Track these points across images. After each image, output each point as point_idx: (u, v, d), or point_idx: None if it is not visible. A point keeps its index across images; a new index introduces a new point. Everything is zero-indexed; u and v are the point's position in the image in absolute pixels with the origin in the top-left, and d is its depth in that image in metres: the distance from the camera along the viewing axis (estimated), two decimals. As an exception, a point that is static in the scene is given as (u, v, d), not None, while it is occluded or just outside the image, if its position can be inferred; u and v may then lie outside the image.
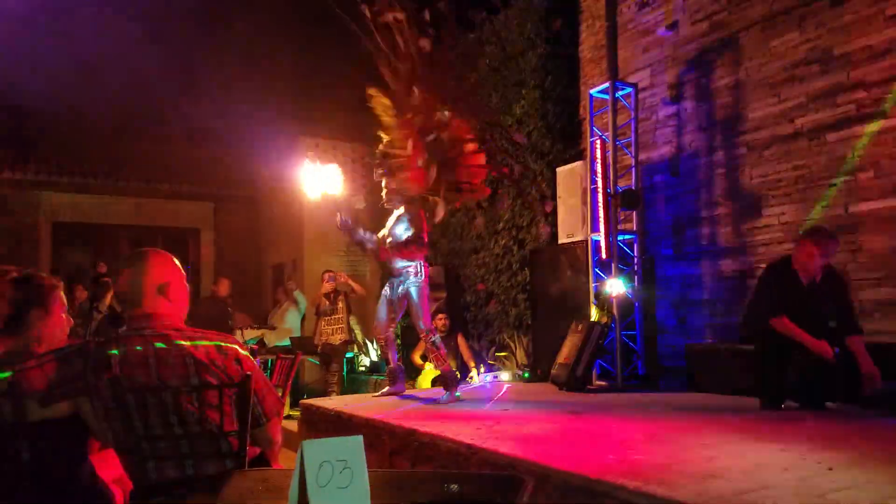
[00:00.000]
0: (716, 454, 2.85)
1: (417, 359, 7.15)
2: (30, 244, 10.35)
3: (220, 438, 1.74)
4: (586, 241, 5.98)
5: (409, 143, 4.56)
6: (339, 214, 4.73)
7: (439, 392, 4.85)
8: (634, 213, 5.92)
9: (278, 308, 9.29)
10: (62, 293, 1.99)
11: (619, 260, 5.75)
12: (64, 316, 1.99)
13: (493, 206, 7.37)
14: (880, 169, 4.42)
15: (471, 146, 4.82)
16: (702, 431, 3.46)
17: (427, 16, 4.67)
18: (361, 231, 4.85)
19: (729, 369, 4.91)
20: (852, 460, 2.69)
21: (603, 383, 5.61)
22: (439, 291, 7.65)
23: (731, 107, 5.37)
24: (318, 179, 4.71)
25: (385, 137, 4.75)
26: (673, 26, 5.84)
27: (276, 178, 10.35)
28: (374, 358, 8.77)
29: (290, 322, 8.97)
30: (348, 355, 8.74)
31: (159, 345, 1.73)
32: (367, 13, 4.51)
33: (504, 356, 6.95)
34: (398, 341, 5.57)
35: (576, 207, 6.25)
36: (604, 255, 5.76)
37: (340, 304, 7.70)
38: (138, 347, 1.71)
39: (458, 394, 4.75)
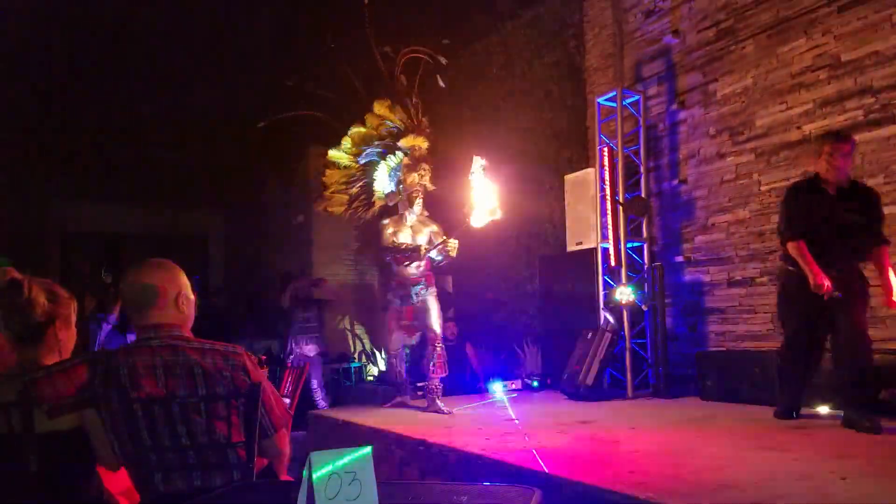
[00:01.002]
0: (727, 464, 2.82)
1: None
2: (38, 253, 10.41)
3: (228, 449, 1.74)
4: (595, 248, 5.96)
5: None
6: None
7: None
8: (643, 220, 5.91)
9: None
10: (75, 305, 2.01)
11: (629, 267, 5.74)
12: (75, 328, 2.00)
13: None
14: (890, 174, 4.39)
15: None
16: (713, 441, 3.42)
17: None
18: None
19: (740, 378, 4.88)
20: (865, 470, 2.66)
21: (613, 392, 5.57)
22: (448, 300, 7.63)
23: (739, 114, 5.35)
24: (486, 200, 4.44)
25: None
26: (679, 34, 5.84)
27: (286, 186, 10.42)
28: (383, 367, 8.75)
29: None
30: (354, 365, 8.73)
31: (167, 355, 1.73)
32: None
33: (513, 364, 6.92)
34: (406, 350, 5.54)
35: (584, 215, 6.24)
36: (613, 263, 5.75)
37: (315, 312, 7.42)
38: (146, 358, 1.71)
39: (441, 405, 4.76)
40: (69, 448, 1.71)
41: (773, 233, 5.07)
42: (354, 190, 5.16)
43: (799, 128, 4.92)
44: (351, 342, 9.32)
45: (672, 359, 5.59)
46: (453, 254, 4.81)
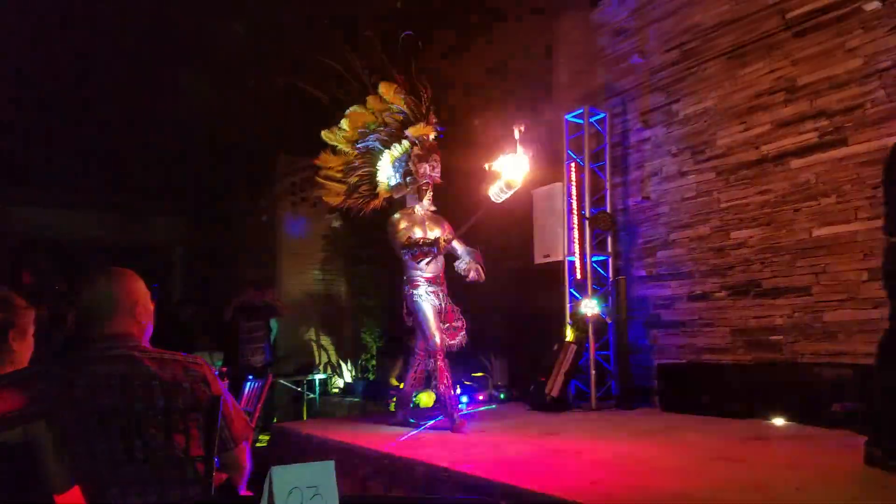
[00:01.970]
0: (687, 475, 2.87)
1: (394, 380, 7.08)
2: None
3: (186, 464, 1.70)
4: (562, 261, 6.04)
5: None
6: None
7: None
8: (608, 234, 6.01)
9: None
10: (34, 315, 1.96)
11: (594, 280, 5.83)
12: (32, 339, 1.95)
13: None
14: (842, 194, 4.55)
15: None
16: (674, 452, 3.48)
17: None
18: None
19: (700, 390, 4.98)
20: (818, 480, 2.73)
21: (578, 403, 5.63)
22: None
23: (701, 133, 5.49)
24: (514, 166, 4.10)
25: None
26: (645, 55, 5.98)
27: (252, 193, 10.29)
28: (349, 379, 8.67)
29: (261, 343, 8.85)
30: (320, 376, 8.63)
31: (124, 366, 1.69)
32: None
33: (480, 376, 6.93)
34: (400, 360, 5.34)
35: (552, 228, 6.31)
36: (579, 276, 5.84)
37: (261, 322, 7.11)
38: (102, 368, 1.67)
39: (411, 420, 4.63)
40: (18, 462, 1.65)
41: (731, 248, 5.22)
42: (353, 179, 4.72)
43: (757, 148, 5.07)
44: (316, 353, 9.22)
45: (635, 371, 5.68)
46: (481, 276, 4.53)
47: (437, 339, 4.39)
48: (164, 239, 11.84)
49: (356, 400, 7.89)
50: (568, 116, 6.18)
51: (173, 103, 7.93)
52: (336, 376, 8.83)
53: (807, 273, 4.69)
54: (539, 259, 6.49)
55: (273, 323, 8.15)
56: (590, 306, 5.64)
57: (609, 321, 5.81)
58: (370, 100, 4.58)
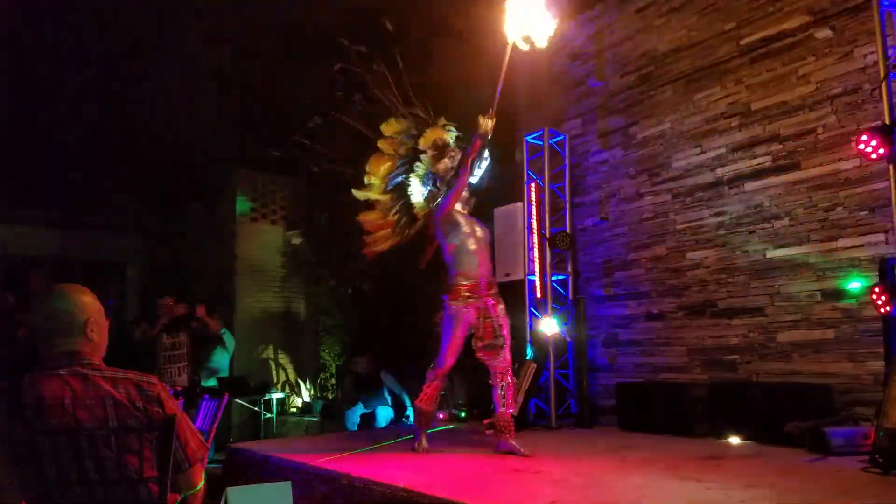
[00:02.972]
0: (644, 493, 2.90)
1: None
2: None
3: (139, 485, 1.65)
4: (523, 280, 6.09)
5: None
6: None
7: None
8: (568, 254, 6.09)
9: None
10: None
11: (554, 300, 5.89)
12: None
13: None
14: (794, 217, 4.71)
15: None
16: (631, 470, 3.51)
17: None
18: None
19: (657, 408, 5.06)
20: (773, 498, 2.79)
21: (538, 422, 5.64)
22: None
23: (657, 156, 5.63)
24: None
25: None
26: (603, 78, 6.13)
27: (210, 210, 10.10)
28: (307, 398, 8.52)
29: (216, 362, 8.61)
30: (278, 395, 8.45)
31: (77, 385, 1.64)
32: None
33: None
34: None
35: (512, 247, 6.36)
36: (539, 295, 5.91)
37: (183, 338, 6.56)
38: (54, 387, 1.61)
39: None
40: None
41: (687, 269, 5.34)
42: (393, 217, 4.73)
43: (712, 171, 5.22)
44: (274, 372, 9.04)
45: (593, 389, 5.73)
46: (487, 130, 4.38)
47: (446, 363, 4.37)
48: (119, 256, 11.50)
49: (314, 419, 7.74)
50: (528, 138, 6.28)
51: (131, 117, 7.77)
52: (294, 395, 8.66)
53: (761, 294, 4.83)
54: (500, 277, 6.52)
55: (229, 339, 7.91)
56: (549, 325, 5.69)
57: (568, 340, 5.86)
58: (380, 144, 4.63)
